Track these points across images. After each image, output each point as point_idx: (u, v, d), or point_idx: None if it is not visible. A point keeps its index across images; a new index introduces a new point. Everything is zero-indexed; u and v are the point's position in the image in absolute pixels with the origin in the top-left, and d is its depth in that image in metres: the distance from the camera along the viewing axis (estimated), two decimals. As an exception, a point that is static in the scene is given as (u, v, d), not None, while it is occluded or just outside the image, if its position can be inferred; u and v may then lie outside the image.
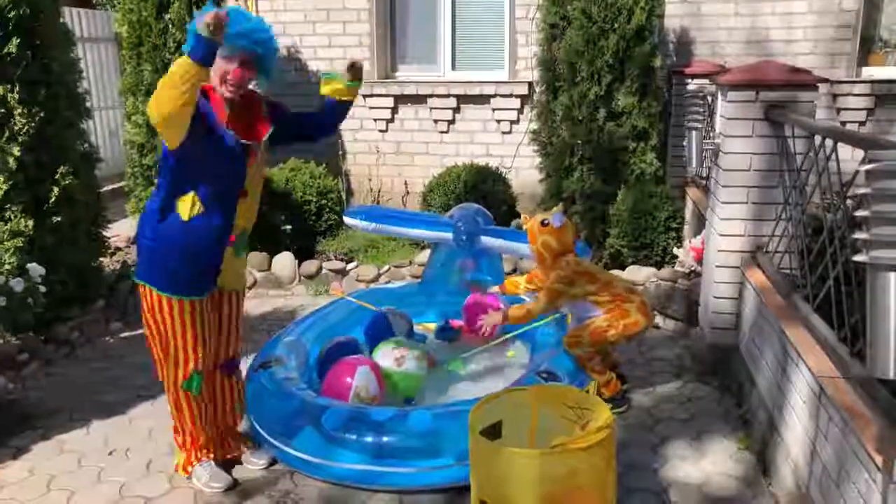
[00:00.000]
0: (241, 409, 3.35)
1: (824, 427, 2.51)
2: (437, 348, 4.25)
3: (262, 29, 2.84)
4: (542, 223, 3.63)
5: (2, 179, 4.35)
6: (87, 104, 4.98)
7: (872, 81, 6.26)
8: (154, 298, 2.90)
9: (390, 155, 7.33)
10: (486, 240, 4.27)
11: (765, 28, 6.36)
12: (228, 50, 2.73)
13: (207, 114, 2.80)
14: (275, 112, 3.06)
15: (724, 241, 3.90)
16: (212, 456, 3.20)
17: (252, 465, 3.28)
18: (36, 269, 4.18)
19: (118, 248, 6.11)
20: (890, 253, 1.62)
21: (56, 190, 4.55)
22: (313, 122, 3.26)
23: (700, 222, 5.12)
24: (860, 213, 1.69)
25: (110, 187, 7.16)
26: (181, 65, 2.51)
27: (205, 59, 2.51)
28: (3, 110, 4.31)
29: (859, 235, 1.68)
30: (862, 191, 1.70)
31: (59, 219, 4.57)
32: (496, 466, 2.33)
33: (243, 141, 2.88)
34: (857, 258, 1.69)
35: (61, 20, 4.72)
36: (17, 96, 4.33)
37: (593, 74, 5.60)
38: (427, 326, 4.54)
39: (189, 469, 3.17)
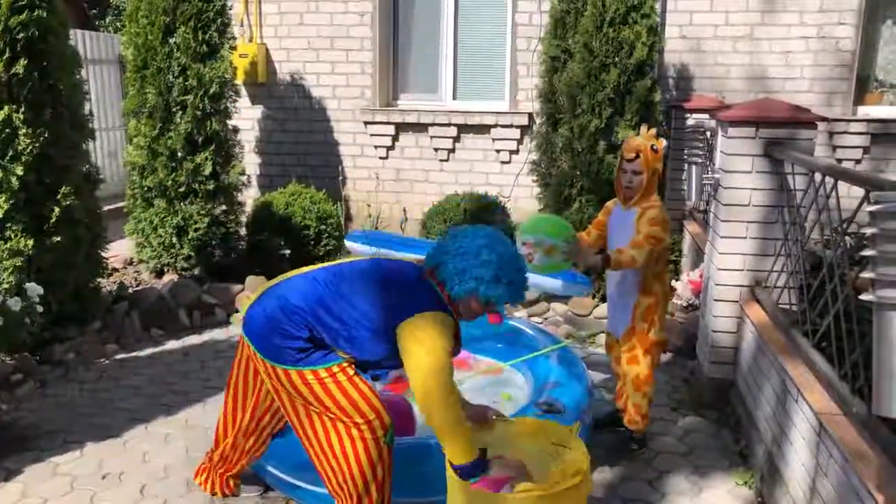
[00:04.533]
0: None
1: (824, 464, 2.50)
2: None
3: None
4: (653, 149, 3.35)
5: (3, 198, 4.35)
6: (91, 125, 5.00)
7: (868, 120, 6.35)
8: (331, 373, 2.62)
9: (390, 182, 7.36)
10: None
11: (763, 65, 6.45)
12: (499, 304, 2.68)
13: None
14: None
15: (724, 275, 3.92)
16: None
17: (247, 493, 3.24)
18: (34, 288, 4.16)
19: (115, 269, 6.11)
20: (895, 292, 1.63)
21: (57, 210, 4.55)
22: None
23: (698, 256, 5.15)
24: (866, 252, 1.71)
25: (108, 207, 7.16)
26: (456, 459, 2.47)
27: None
28: (7, 130, 4.32)
29: (865, 275, 1.70)
30: (867, 231, 1.72)
31: (58, 239, 4.57)
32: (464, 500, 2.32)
33: None
34: (864, 297, 1.70)
35: (69, 42, 4.76)
36: (22, 116, 4.35)
37: (594, 107, 5.65)
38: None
39: None
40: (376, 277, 2.70)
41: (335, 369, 2.61)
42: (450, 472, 2.46)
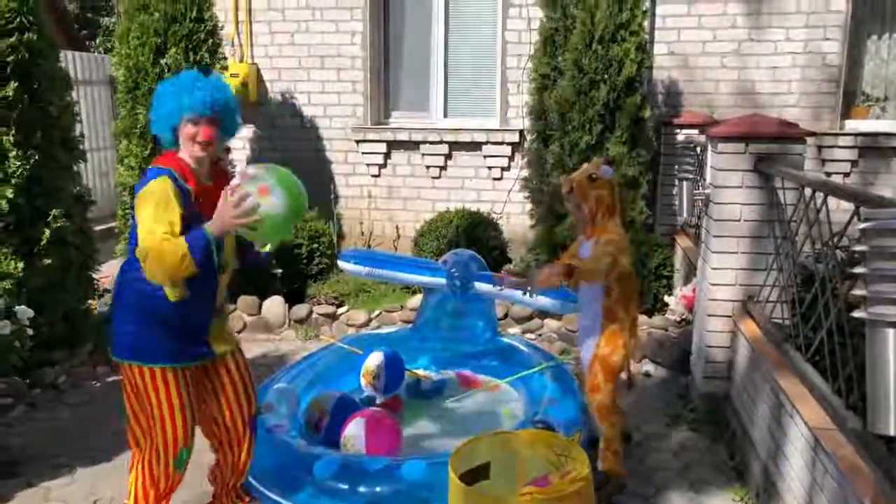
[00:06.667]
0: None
1: (820, 479, 2.50)
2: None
3: (220, 89, 2.82)
4: (591, 178, 3.28)
5: (-7, 222, 4.33)
6: (82, 147, 4.99)
7: (856, 134, 6.40)
8: (140, 375, 2.75)
9: (382, 199, 7.37)
10: (480, 286, 4.29)
11: (751, 81, 6.51)
12: (193, 114, 2.74)
13: (192, 213, 2.71)
14: None
15: (716, 290, 3.93)
16: None
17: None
18: (24, 311, 4.12)
19: (107, 290, 6.06)
20: (889, 309, 1.63)
21: (48, 232, 4.53)
22: None
23: (691, 271, 5.16)
24: (858, 270, 1.71)
25: (99, 228, 7.14)
26: (183, 262, 2.58)
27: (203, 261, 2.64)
28: (-2, 152, 4.32)
29: (858, 292, 1.70)
30: (859, 248, 1.72)
31: (49, 261, 4.55)
32: None
33: None
34: (856, 314, 1.71)
35: (59, 64, 4.76)
36: (12, 139, 4.34)
37: (584, 124, 5.68)
38: (417, 373, 4.51)
39: None
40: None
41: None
42: (451, 483, 2.44)
